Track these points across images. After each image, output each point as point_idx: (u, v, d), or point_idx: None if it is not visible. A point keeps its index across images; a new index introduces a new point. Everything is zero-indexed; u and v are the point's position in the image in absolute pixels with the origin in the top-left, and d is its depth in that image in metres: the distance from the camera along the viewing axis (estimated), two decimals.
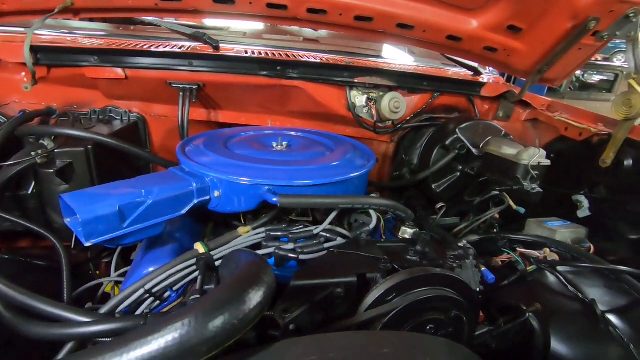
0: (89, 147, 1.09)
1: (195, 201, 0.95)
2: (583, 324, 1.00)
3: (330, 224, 0.97)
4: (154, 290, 0.84)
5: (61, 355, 0.73)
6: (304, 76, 1.31)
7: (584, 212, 1.46)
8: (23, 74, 1.23)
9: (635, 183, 1.34)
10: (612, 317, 0.99)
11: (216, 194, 0.97)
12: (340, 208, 0.94)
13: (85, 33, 1.43)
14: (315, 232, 0.96)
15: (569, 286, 1.09)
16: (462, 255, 0.89)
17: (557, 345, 0.98)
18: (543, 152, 1.21)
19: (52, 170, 1.06)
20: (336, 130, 1.51)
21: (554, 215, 1.45)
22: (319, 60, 1.35)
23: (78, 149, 1.07)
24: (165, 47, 1.30)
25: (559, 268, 1.14)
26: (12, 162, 1.01)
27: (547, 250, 1.23)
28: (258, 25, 1.80)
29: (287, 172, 0.98)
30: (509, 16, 1.32)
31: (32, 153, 1.04)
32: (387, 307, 0.67)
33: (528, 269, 1.16)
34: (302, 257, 0.89)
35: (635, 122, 1.34)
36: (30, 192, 1.13)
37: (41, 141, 1.12)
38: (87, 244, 0.78)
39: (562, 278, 1.11)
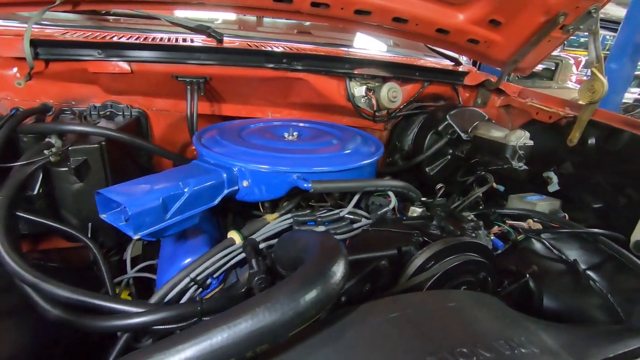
0: (103, 143, 1.07)
1: (226, 191, 0.98)
2: (568, 281, 1.16)
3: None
4: (198, 278, 0.87)
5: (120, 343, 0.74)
6: (308, 68, 1.36)
7: (553, 186, 1.64)
8: (15, 69, 1.17)
9: (598, 159, 1.53)
10: (591, 273, 1.15)
11: (245, 183, 1.00)
12: (365, 190, 1.01)
13: (70, 25, 1.37)
14: (341, 214, 1.03)
15: (554, 250, 1.25)
16: (475, 226, 1.00)
17: (548, 301, 1.13)
18: (527, 134, 1.36)
19: (67, 169, 1.04)
20: (334, 119, 1.58)
21: (527, 190, 1.63)
22: (322, 53, 1.40)
23: (92, 145, 1.05)
24: (166, 39, 1.29)
25: (543, 235, 1.30)
26: (25, 162, 0.97)
27: (531, 220, 1.38)
28: (247, 17, 1.81)
29: (312, 160, 1.03)
30: (491, 11, 1.45)
31: (46, 152, 1.01)
32: (430, 272, 0.76)
33: (518, 238, 1.30)
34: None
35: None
36: (36, 192, 1.09)
37: (48, 139, 1.08)
38: (136, 237, 0.79)
39: (547, 243, 1.27)
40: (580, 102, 1.55)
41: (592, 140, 1.55)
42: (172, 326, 0.76)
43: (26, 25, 1.12)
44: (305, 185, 0.95)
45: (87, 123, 1.13)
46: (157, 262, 1.08)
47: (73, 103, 1.26)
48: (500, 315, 0.61)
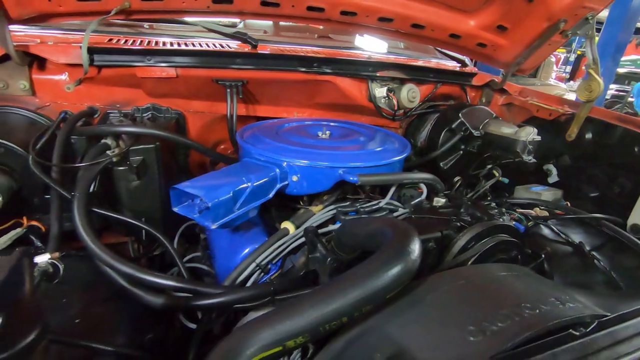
0: (157, 143, 1.15)
1: (278, 186, 1.08)
2: (575, 261, 1.30)
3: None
4: (262, 264, 0.97)
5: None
6: (335, 71, 1.46)
7: (553, 178, 1.80)
8: (66, 74, 1.24)
9: (594, 152, 1.69)
10: (595, 253, 1.29)
11: (294, 178, 1.10)
12: (404, 183, 1.13)
13: (112, 32, 1.44)
14: (380, 205, 1.14)
15: (561, 234, 1.39)
16: (499, 212, 1.13)
17: (558, 279, 1.26)
18: (535, 130, 1.50)
19: (126, 167, 1.11)
20: (354, 118, 1.69)
21: (528, 182, 1.77)
22: (348, 57, 1.51)
23: (149, 145, 1.13)
24: (203, 44, 1.37)
25: (550, 221, 1.44)
26: (93, 162, 1.05)
27: (538, 209, 1.53)
28: (267, 23, 1.89)
29: (354, 156, 1.14)
30: (499, 17, 1.59)
31: (108, 152, 1.09)
32: (472, 251, 0.89)
33: (528, 224, 1.44)
34: None
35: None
36: (92, 190, 1.16)
37: (104, 140, 1.16)
38: (213, 227, 0.88)
39: (554, 228, 1.41)
40: (579, 100, 1.70)
41: (588, 135, 1.70)
42: (248, 304, 0.86)
43: (76, 33, 1.19)
44: (351, 178, 1.06)
45: (143, 125, 1.21)
46: (211, 252, 1.18)
47: (117, 106, 1.33)
48: (544, 282, 0.73)
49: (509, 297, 0.63)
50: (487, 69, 2.17)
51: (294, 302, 0.57)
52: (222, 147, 1.64)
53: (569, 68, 10.83)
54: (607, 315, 0.60)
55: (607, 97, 7.85)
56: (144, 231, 1.19)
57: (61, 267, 0.77)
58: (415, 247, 0.65)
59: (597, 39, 1.65)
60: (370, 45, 2.10)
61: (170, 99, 1.39)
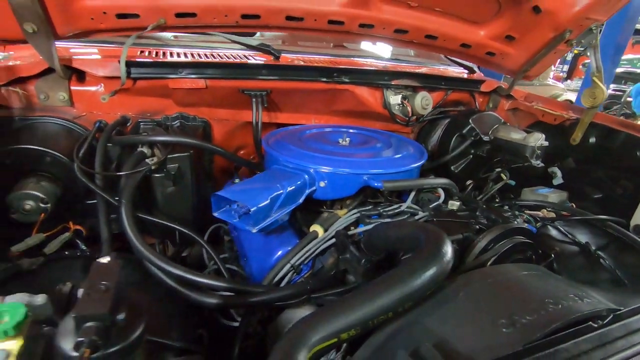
0: (191, 151, 1.22)
1: (307, 191, 1.15)
2: (582, 260, 1.37)
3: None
4: (295, 265, 1.04)
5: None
6: (353, 80, 1.54)
7: (558, 180, 1.88)
8: (102, 85, 1.30)
9: (597, 155, 1.77)
10: (600, 253, 1.37)
11: (322, 184, 1.17)
12: (424, 188, 1.20)
13: (142, 44, 1.51)
14: (402, 208, 1.21)
15: (568, 235, 1.47)
16: (512, 215, 1.21)
17: (566, 277, 1.34)
18: (543, 136, 1.58)
19: (163, 174, 1.19)
20: (368, 124, 1.76)
21: (534, 184, 1.85)
22: (365, 67, 1.59)
23: (184, 154, 1.20)
24: (228, 55, 1.45)
25: (557, 222, 1.52)
26: (134, 171, 1.12)
27: (545, 210, 1.61)
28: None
29: (378, 163, 1.22)
30: (508, 28, 1.66)
31: (148, 160, 1.16)
32: (492, 252, 0.96)
33: (537, 225, 1.52)
34: None
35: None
36: None
37: (141, 149, 1.23)
38: (254, 230, 0.96)
39: (562, 229, 1.49)
40: (583, 106, 1.78)
41: (592, 139, 1.78)
42: (288, 302, 0.94)
43: (108, 46, 1.26)
44: (376, 184, 1.13)
45: (175, 134, 1.28)
46: (241, 253, 1.25)
47: (148, 115, 1.40)
48: (560, 280, 0.81)
49: (533, 293, 0.71)
50: (487, 72, 2.25)
51: (347, 299, 0.64)
52: (242, 152, 1.71)
53: (566, 67, 10.94)
54: (620, 309, 0.68)
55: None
56: (177, 234, 1.27)
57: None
58: (449, 250, 0.72)
59: None
60: (375, 49, 2.18)
61: (197, 107, 1.46)
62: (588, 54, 1.75)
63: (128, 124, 1.37)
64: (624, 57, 12.05)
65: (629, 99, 5.95)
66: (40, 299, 0.52)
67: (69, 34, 1.11)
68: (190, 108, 1.45)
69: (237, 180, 1.44)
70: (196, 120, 1.46)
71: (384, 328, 0.70)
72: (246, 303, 0.89)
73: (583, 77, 5.25)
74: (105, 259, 0.55)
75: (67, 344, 0.44)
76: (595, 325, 0.64)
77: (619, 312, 0.67)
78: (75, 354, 0.43)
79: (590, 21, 1.63)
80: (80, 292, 0.47)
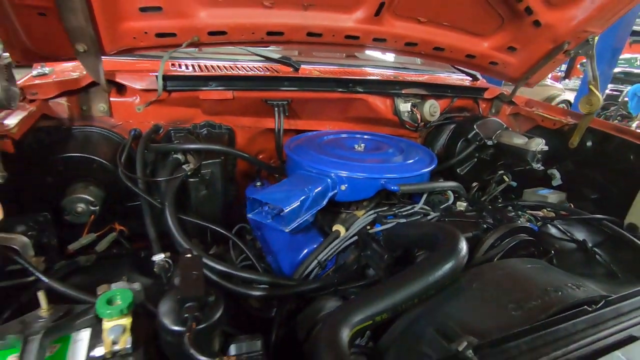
0: (222, 158, 1.33)
1: (330, 194, 1.26)
2: (579, 256, 1.49)
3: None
4: (322, 261, 1.16)
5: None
6: (367, 90, 1.65)
7: (557, 181, 1.99)
8: (138, 97, 1.42)
9: (594, 158, 1.89)
10: (596, 249, 1.48)
11: (342, 187, 1.29)
12: (437, 190, 1.32)
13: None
14: (415, 209, 1.33)
15: (566, 233, 1.58)
16: (516, 215, 1.32)
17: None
18: (543, 141, 1.70)
19: (197, 179, 1.30)
20: (378, 129, 1.88)
21: (534, 185, 1.97)
22: (378, 78, 1.70)
23: (216, 160, 1.31)
24: (250, 67, 1.56)
25: (557, 221, 1.63)
26: (173, 177, 1.23)
27: (545, 210, 1.72)
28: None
29: (392, 168, 1.33)
30: (510, 40, 1.78)
31: (184, 167, 1.27)
32: (499, 249, 1.08)
33: (538, 224, 1.64)
34: None
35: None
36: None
37: (175, 155, 1.34)
38: (287, 230, 1.07)
39: (561, 228, 1.60)
40: (581, 112, 1.90)
41: (589, 143, 1.90)
42: (319, 293, 1.05)
43: (148, 60, 1.37)
44: (393, 188, 1.25)
45: (208, 142, 1.39)
46: (267, 251, 1.36)
47: (178, 123, 1.51)
48: (560, 272, 0.93)
49: (536, 283, 0.82)
50: (487, 77, 2.37)
51: (380, 288, 0.76)
52: (261, 156, 1.83)
53: (564, 66, 11.05)
54: (611, 296, 0.79)
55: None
56: (209, 233, 1.39)
57: (172, 263, 0.95)
58: (464, 246, 0.84)
59: None
60: (381, 55, 2.29)
61: (223, 116, 1.57)
62: (585, 61, 1.87)
63: (160, 132, 1.48)
64: (622, 56, 12.17)
65: (626, 99, 6.08)
66: (136, 285, 0.63)
67: (113, 51, 1.22)
68: (216, 116, 1.57)
69: (258, 183, 1.55)
70: (222, 127, 1.58)
71: (406, 315, 0.81)
72: (285, 294, 1.01)
73: (582, 76, 5.36)
74: (188, 255, 0.66)
75: (169, 320, 0.56)
76: (590, 309, 0.76)
77: (610, 298, 0.79)
78: (177, 328, 0.54)
79: (587, 33, 1.74)
80: (176, 280, 0.58)
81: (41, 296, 0.58)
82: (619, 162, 1.79)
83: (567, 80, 9.88)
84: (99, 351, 0.53)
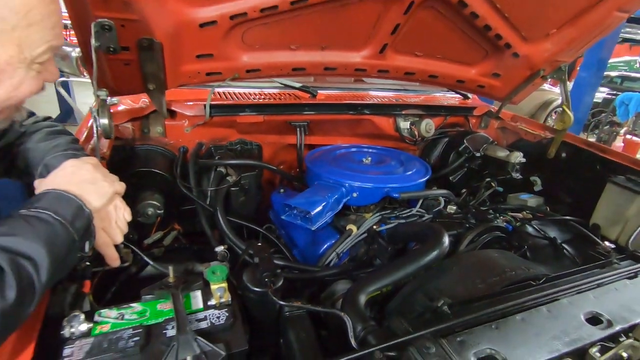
0: (257, 171, 1.66)
1: (344, 200, 1.58)
2: (550, 250, 1.79)
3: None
4: (339, 253, 1.48)
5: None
6: (373, 112, 1.98)
7: (538, 187, 2.29)
8: (186, 121, 1.74)
9: (568, 167, 2.19)
10: (565, 245, 1.79)
11: (354, 195, 1.60)
12: (431, 197, 1.64)
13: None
14: (413, 212, 1.64)
15: (540, 231, 1.89)
16: (494, 216, 1.64)
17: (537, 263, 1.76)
18: (521, 154, 2.01)
19: (238, 188, 1.62)
20: (381, 143, 2.20)
21: (518, 191, 2.27)
22: (382, 101, 2.03)
23: (253, 172, 1.64)
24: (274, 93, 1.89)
25: (533, 222, 1.94)
26: (221, 187, 1.55)
27: (524, 212, 2.03)
28: None
29: (394, 179, 1.65)
30: (494, 67, 2.09)
31: (228, 178, 1.60)
32: (477, 243, 1.39)
33: (517, 224, 1.95)
34: None
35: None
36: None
37: (219, 169, 1.66)
38: (313, 228, 1.39)
39: (535, 227, 1.91)
40: (556, 128, 2.20)
41: (564, 155, 2.21)
42: (337, 278, 1.37)
43: (192, 89, 1.70)
44: (395, 195, 1.56)
45: (244, 157, 1.71)
46: (293, 245, 1.68)
47: (217, 141, 1.84)
48: (517, 258, 1.24)
49: (498, 265, 1.14)
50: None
51: (386, 269, 1.07)
52: (282, 167, 2.15)
53: None
54: (550, 275, 1.11)
55: (599, 100, 8.30)
56: (244, 231, 1.71)
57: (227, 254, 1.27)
58: (446, 240, 1.16)
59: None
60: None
61: (253, 134, 1.89)
62: (560, 83, 2.18)
63: (202, 149, 1.81)
64: (621, 59, 12.39)
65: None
66: (225, 264, 0.95)
67: (172, 87, 1.55)
68: (247, 135, 1.89)
69: (282, 190, 1.87)
70: (252, 144, 1.90)
71: (404, 288, 1.13)
72: (312, 277, 1.33)
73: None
74: (258, 243, 0.98)
75: (252, 284, 0.88)
76: (534, 284, 1.07)
77: (550, 277, 1.10)
78: (258, 289, 0.86)
79: (559, 62, 2.06)
80: (255, 259, 0.90)
81: (171, 270, 0.90)
82: (587, 171, 2.09)
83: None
84: (211, 302, 0.85)
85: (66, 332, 0.73)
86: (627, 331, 0.89)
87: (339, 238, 1.51)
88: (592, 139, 6.55)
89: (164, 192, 1.61)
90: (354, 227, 1.55)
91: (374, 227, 1.58)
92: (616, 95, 7.21)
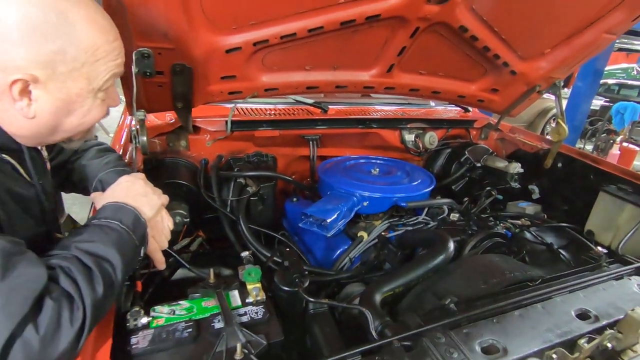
0: (274, 181, 1.79)
1: (356, 209, 1.71)
2: (547, 256, 1.92)
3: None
4: (351, 258, 1.60)
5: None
6: (380, 125, 2.12)
7: (536, 195, 2.42)
8: (208, 135, 1.88)
9: (564, 177, 2.32)
10: (561, 250, 1.91)
11: (365, 204, 1.73)
12: (435, 206, 1.77)
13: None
14: (419, 219, 1.77)
15: (538, 237, 2.01)
16: (495, 223, 1.77)
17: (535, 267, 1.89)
18: (519, 164, 2.15)
19: (257, 198, 1.75)
20: (388, 154, 2.33)
21: (517, 199, 2.40)
22: (388, 116, 2.17)
23: (270, 183, 1.77)
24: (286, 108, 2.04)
25: (531, 228, 2.06)
26: (242, 197, 1.69)
27: (523, 219, 2.16)
28: None
29: (402, 189, 1.78)
30: (492, 83, 2.24)
31: (248, 189, 1.73)
32: (479, 249, 1.52)
33: (516, 230, 2.07)
34: None
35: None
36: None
37: (239, 180, 1.79)
38: (329, 235, 1.52)
39: (533, 233, 2.03)
40: (552, 140, 2.34)
41: (560, 165, 2.34)
42: (351, 280, 1.49)
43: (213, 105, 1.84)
44: (402, 204, 1.69)
45: (261, 169, 1.85)
46: (308, 250, 1.80)
47: (235, 153, 1.97)
48: (516, 262, 1.37)
49: (498, 268, 1.27)
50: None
51: (400, 270, 1.20)
52: (293, 176, 2.28)
53: None
54: (545, 277, 1.23)
55: (596, 107, 8.46)
56: (262, 237, 1.83)
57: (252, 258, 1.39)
58: (451, 245, 1.29)
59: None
60: None
61: (268, 147, 2.03)
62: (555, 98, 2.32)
63: (222, 161, 1.94)
64: (618, 66, 12.56)
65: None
66: (257, 267, 1.08)
67: (198, 105, 1.69)
68: (263, 147, 2.03)
69: (295, 199, 2.00)
70: (268, 156, 2.03)
71: (416, 287, 1.26)
72: (328, 280, 1.45)
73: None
74: (286, 249, 1.10)
75: (284, 284, 1.00)
76: (531, 285, 1.20)
77: (545, 278, 1.23)
78: (289, 288, 0.99)
79: (554, 78, 2.20)
80: (285, 262, 1.03)
81: (211, 272, 1.03)
82: (582, 180, 2.22)
83: (565, 89, 10.33)
84: (248, 300, 0.98)
85: (130, 324, 0.86)
86: (612, 325, 1.01)
87: (352, 244, 1.63)
88: (589, 147, 6.72)
89: (189, 202, 1.74)
90: (364, 234, 1.68)
91: (383, 233, 1.71)
92: (613, 103, 7.37)
